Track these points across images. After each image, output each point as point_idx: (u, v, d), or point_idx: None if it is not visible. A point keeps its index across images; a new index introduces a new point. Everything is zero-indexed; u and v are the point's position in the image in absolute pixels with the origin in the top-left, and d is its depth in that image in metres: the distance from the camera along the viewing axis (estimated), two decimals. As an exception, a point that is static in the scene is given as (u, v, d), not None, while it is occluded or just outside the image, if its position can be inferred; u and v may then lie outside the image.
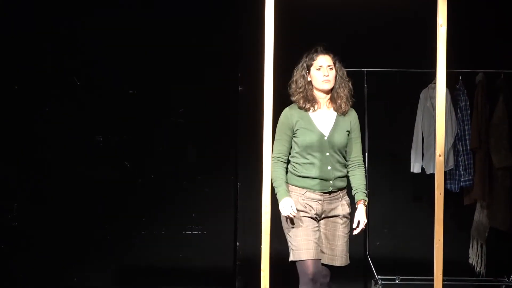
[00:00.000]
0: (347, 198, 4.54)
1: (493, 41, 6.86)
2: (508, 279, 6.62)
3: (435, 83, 6.51)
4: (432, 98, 6.52)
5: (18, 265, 6.89)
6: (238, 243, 7.00)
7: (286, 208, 4.35)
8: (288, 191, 4.44)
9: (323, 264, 4.44)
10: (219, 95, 7.01)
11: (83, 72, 6.99)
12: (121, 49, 6.96)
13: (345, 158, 4.53)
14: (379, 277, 6.42)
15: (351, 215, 4.51)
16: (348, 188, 4.57)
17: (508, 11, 6.83)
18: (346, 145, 4.51)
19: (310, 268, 4.37)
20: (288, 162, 4.53)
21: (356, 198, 4.50)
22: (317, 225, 4.44)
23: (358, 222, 4.46)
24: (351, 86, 4.57)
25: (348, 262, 4.54)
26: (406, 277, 6.55)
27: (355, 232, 4.48)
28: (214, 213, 7.03)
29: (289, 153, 4.51)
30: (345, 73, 4.58)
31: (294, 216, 4.36)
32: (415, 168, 6.56)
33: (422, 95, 6.64)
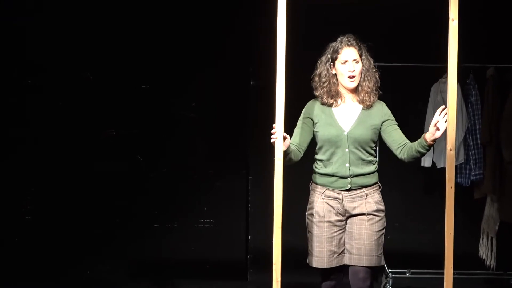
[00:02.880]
0: (376, 196, 4.31)
1: (504, 36, 6.84)
2: (518, 272, 6.64)
3: (445, 77, 6.49)
4: (443, 92, 6.51)
5: (31, 257, 6.93)
6: (249, 236, 7.01)
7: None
8: (291, 151, 4.23)
9: (357, 267, 4.22)
10: (231, 90, 7.02)
11: (96, 67, 7.01)
12: (135, 45, 6.99)
13: (373, 154, 4.32)
14: (389, 270, 6.43)
15: (380, 213, 4.29)
16: (382, 181, 4.39)
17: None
18: (373, 141, 4.30)
19: (323, 276, 4.31)
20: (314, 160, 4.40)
21: (421, 140, 4.17)
22: (337, 230, 4.26)
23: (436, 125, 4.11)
24: (377, 78, 4.35)
25: (381, 263, 4.32)
26: (417, 271, 6.55)
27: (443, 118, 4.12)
28: (226, 206, 7.05)
29: (305, 145, 4.34)
30: (372, 63, 4.35)
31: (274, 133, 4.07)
32: (426, 162, 6.56)
33: (433, 89, 6.63)
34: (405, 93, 6.71)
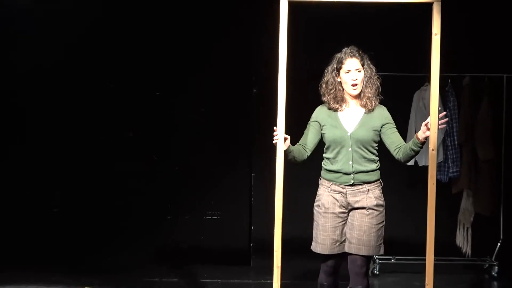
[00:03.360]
0: (377, 192, 4.27)
1: (478, 48, 6.84)
2: (491, 258, 6.61)
3: (426, 85, 6.51)
4: (424, 99, 6.50)
5: (58, 247, 6.94)
6: (252, 227, 7.01)
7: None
8: (294, 150, 4.23)
9: (356, 255, 4.20)
10: (236, 97, 7.01)
11: (116, 77, 7.02)
12: (150, 57, 7.00)
13: (374, 153, 4.27)
14: (376, 257, 6.42)
15: (380, 208, 4.25)
16: (385, 179, 4.35)
17: (491, 23, 6.81)
18: (374, 141, 4.26)
19: (324, 262, 4.28)
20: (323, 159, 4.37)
21: (413, 139, 4.14)
22: (340, 221, 4.23)
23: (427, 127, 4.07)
24: (378, 85, 4.31)
25: (380, 252, 4.27)
26: (401, 257, 6.55)
27: (441, 123, 4.10)
28: (231, 200, 7.04)
29: (311, 145, 4.31)
30: (374, 72, 4.32)
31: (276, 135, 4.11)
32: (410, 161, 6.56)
33: (415, 96, 6.62)
34: (391, 99, 6.68)
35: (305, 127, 4.41)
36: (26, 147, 7.03)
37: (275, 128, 4.14)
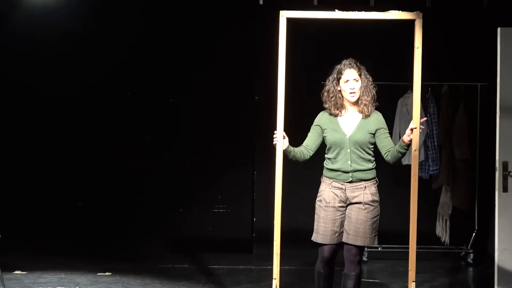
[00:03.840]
0: (373, 189, 4.24)
1: (455, 60, 6.84)
2: (467, 247, 6.61)
3: (409, 93, 6.50)
4: (407, 105, 6.50)
5: (82, 236, 6.95)
6: (254, 219, 7.00)
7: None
8: (294, 151, 4.25)
9: (351, 245, 4.19)
10: (240, 103, 7.02)
11: (133, 86, 7.04)
12: (164, 69, 7.02)
13: (370, 154, 4.24)
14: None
15: (375, 203, 4.22)
16: (379, 177, 4.30)
17: (467, 38, 6.81)
18: (370, 143, 4.23)
19: (323, 251, 4.23)
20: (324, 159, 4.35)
21: (400, 142, 4.16)
22: (339, 214, 4.21)
23: (412, 130, 4.13)
24: (374, 93, 4.28)
25: (374, 243, 4.26)
26: (387, 246, 6.55)
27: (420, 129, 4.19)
28: (236, 195, 7.05)
29: (314, 146, 4.30)
30: (370, 81, 4.29)
31: (275, 137, 4.17)
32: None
33: (399, 103, 6.62)
34: (379, 105, 6.69)
35: (302, 129, 4.41)
36: (55, 149, 7.05)
37: (275, 132, 4.17)
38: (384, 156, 4.27)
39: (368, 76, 4.30)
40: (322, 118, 4.33)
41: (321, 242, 4.22)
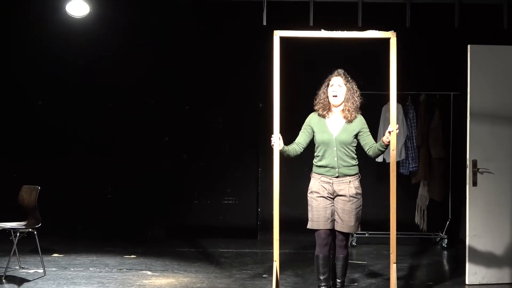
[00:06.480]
0: (356, 183, 4.23)
1: (431, 72, 6.84)
2: (442, 233, 6.61)
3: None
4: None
5: (111, 224, 6.97)
6: (259, 209, 7.01)
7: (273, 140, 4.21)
8: (288, 149, 4.26)
9: (338, 231, 4.20)
10: (246, 109, 7.03)
11: (155, 95, 7.05)
12: (182, 80, 7.03)
13: (354, 152, 4.23)
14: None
15: (358, 196, 4.21)
16: (361, 173, 4.29)
17: (442, 52, 6.81)
18: (354, 143, 4.23)
19: (320, 234, 4.21)
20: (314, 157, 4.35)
21: (380, 142, 4.18)
22: (329, 202, 4.19)
23: (389, 133, 4.13)
24: (358, 103, 4.27)
25: (358, 230, 4.29)
26: (372, 232, 6.55)
27: (396, 131, 4.16)
28: (243, 188, 7.05)
29: (305, 144, 4.30)
30: (356, 93, 4.27)
31: (272, 139, 4.19)
32: (379, 158, 6.53)
33: (383, 109, 6.61)
34: (365, 112, 6.68)
35: (296, 133, 4.42)
36: (89, 149, 7.06)
37: (272, 136, 4.24)
38: (367, 152, 4.29)
39: (355, 88, 4.30)
40: (312, 119, 4.34)
41: (316, 228, 4.21)
